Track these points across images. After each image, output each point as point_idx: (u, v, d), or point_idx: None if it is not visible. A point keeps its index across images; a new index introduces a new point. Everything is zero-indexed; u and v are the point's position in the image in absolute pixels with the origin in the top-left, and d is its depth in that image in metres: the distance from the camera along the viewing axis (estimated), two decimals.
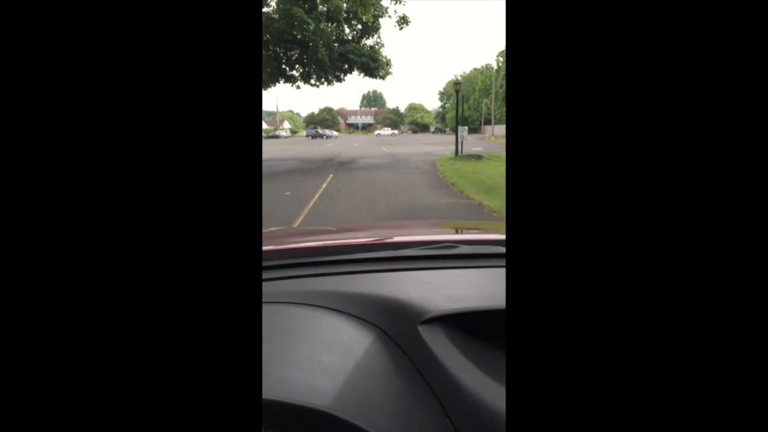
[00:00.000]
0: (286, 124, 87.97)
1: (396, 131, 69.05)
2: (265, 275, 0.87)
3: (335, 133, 63.41)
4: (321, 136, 55.20)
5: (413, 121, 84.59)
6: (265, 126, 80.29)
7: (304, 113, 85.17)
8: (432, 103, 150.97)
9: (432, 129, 79.09)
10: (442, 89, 78.73)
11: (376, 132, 68.02)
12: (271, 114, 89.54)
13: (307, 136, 56.75)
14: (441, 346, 0.63)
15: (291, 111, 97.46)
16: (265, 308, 0.71)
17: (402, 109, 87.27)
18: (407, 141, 37.32)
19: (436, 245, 0.97)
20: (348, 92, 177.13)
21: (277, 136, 62.54)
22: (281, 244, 1.14)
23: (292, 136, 67.07)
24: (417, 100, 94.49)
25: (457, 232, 1.35)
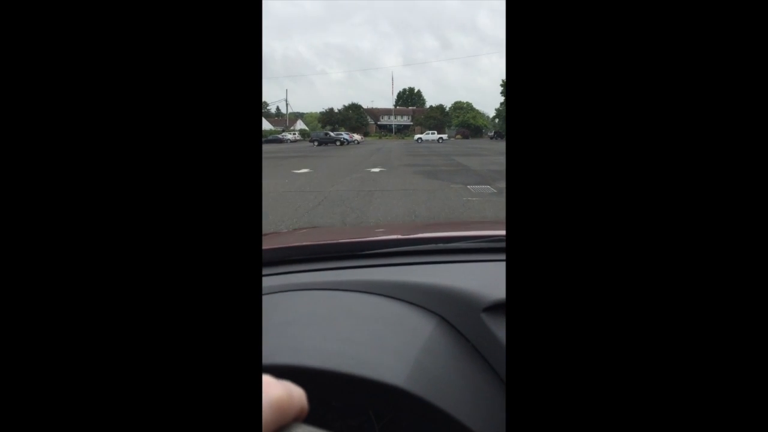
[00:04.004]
0: (300, 125, 69.65)
1: (444, 135, 49.35)
2: (319, 266, 0.92)
3: (357, 137, 44.57)
4: (333, 141, 36.49)
5: (463, 123, 64.80)
6: (268, 126, 62.27)
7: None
8: (482, 103, 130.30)
9: (490, 133, 59.13)
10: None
11: (416, 136, 48.52)
12: (298, 114, 71.53)
13: (312, 141, 38.05)
14: (505, 332, 0.64)
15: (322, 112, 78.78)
16: (325, 294, 0.77)
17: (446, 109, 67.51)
18: (488, 153, 19.01)
19: (489, 239, 0.98)
20: (381, 90, 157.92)
21: (280, 140, 44.68)
22: (332, 239, 1.18)
23: (304, 139, 48.62)
24: (463, 99, 75.96)
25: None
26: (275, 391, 0.25)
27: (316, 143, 36.40)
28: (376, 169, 12.36)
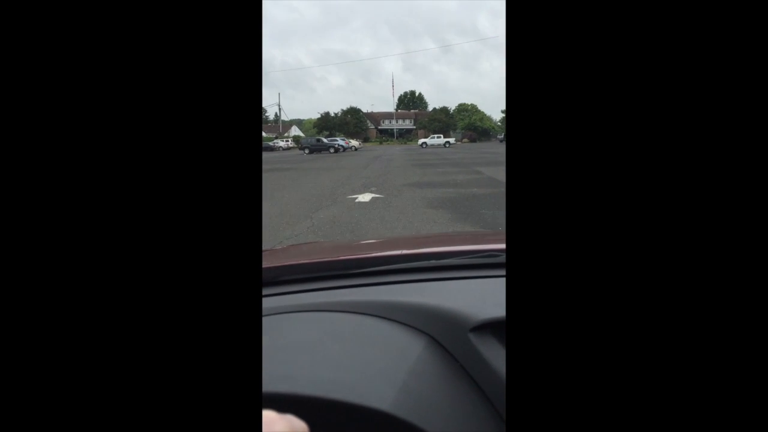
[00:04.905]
0: (295, 131, 65.17)
1: (450, 139, 44.68)
2: (308, 286, 0.91)
3: (354, 143, 39.98)
4: (327, 148, 32.03)
5: (469, 126, 60.16)
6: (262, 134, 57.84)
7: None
8: (484, 106, 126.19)
9: (500, 136, 54.43)
10: None
11: (421, 141, 43.82)
12: (296, 121, 66.91)
13: (302, 148, 33.51)
14: (494, 352, 0.64)
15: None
16: (313, 316, 0.77)
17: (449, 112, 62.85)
18: None
19: (479, 254, 0.97)
20: (382, 95, 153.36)
21: (271, 149, 40.66)
22: (321, 257, 1.17)
23: (298, 147, 44.39)
24: (468, 101, 71.44)
25: (498, 242, 1.17)
26: (279, 427, 0.25)
27: (306, 151, 31.89)
28: (366, 197, 7.54)
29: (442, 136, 45.24)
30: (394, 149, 37.36)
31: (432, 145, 40.63)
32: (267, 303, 0.82)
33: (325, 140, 34.91)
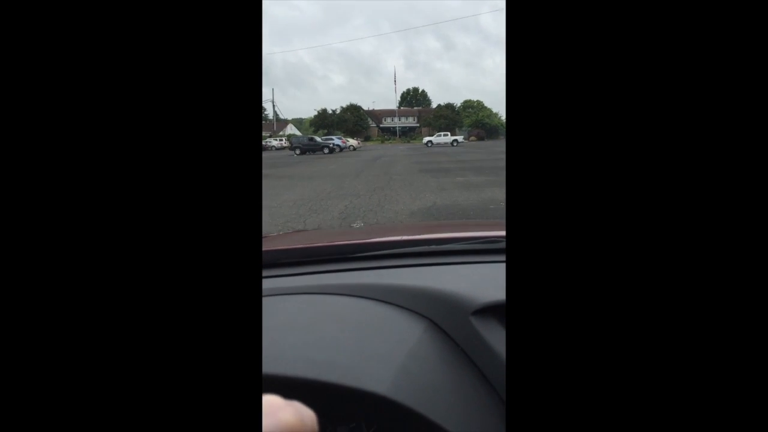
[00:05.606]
0: (291, 129, 61.51)
1: (458, 137, 40.89)
2: (306, 269, 0.92)
3: (353, 142, 36.36)
4: (321, 148, 28.46)
5: (476, 123, 56.35)
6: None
7: None
8: (487, 104, 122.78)
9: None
10: None
11: (426, 139, 40.11)
12: (297, 120, 63.34)
13: (293, 148, 29.87)
14: (495, 335, 0.63)
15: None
16: (309, 298, 0.77)
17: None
18: None
19: (479, 240, 0.98)
20: (384, 93, 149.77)
21: (264, 148, 36.96)
22: (321, 242, 1.19)
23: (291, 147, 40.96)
24: (471, 98, 67.89)
25: (499, 229, 1.19)
26: (286, 416, 0.23)
27: (297, 151, 28.26)
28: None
29: (449, 133, 41.47)
30: (397, 148, 33.74)
31: (438, 144, 37.01)
32: (266, 284, 0.81)
33: (318, 139, 31.25)
